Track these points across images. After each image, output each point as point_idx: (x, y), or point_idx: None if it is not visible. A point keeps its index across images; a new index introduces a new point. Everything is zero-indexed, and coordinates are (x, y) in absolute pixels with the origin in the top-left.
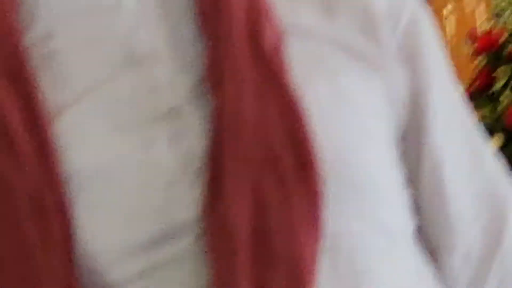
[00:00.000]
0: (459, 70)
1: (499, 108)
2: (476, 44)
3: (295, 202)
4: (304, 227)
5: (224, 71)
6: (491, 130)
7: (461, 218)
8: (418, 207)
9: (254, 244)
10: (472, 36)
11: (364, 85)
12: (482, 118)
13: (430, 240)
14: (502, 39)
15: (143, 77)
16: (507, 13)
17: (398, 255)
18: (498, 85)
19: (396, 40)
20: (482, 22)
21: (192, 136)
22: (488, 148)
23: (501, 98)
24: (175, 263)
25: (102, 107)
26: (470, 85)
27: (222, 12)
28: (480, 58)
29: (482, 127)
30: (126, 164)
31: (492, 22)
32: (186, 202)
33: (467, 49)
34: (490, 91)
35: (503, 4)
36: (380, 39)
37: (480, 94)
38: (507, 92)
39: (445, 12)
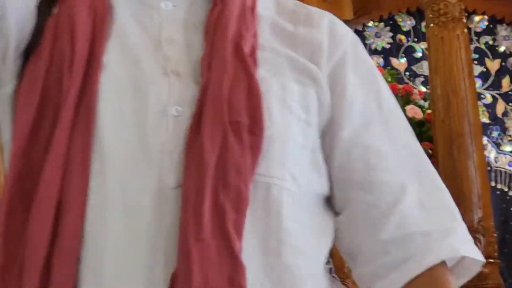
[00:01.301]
0: None
1: None
2: None
3: (245, 149)
4: (247, 166)
5: (214, 59)
6: None
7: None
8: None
9: (216, 174)
10: None
11: (301, 87)
12: None
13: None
14: None
15: (160, 51)
16: None
17: (305, 207)
18: None
19: (328, 68)
20: None
21: (185, 88)
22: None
23: None
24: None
25: (130, 60)
26: None
27: (219, 29)
28: None
29: None
30: (135, 84)
31: None
32: (171, 127)
33: None
34: None
35: None
36: (320, 64)
37: None
38: None
39: None
